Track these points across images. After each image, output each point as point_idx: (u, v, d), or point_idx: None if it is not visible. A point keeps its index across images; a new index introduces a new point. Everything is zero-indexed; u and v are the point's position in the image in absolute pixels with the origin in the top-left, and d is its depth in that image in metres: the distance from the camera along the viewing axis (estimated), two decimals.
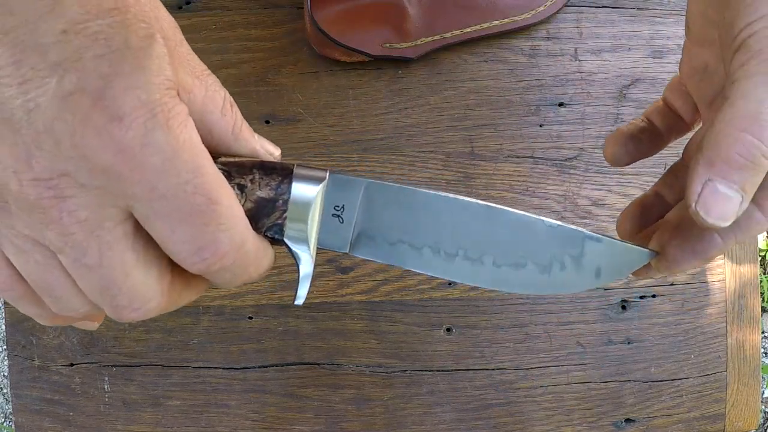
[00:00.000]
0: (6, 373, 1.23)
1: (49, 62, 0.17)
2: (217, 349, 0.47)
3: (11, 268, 0.21)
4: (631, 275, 0.28)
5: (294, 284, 0.47)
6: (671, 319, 0.48)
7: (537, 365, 0.48)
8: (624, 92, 0.49)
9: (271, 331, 0.48)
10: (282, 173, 0.23)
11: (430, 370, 0.48)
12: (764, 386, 1.18)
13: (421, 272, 0.26)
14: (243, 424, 0.47)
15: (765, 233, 1.29)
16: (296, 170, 0.23)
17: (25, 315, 0.47)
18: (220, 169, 0.22)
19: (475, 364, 0.48)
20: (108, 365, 0.48)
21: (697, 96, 0.28)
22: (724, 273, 0.49)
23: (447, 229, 0.25)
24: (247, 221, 0.22)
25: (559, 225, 0.25)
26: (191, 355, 0.47)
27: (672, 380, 0.48)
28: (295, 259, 0.24)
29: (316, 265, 0.48)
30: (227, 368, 0.48)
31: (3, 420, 1.23)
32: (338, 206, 0.24)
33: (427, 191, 0.25)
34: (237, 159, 0.23)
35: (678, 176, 0.31)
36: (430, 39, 0.47)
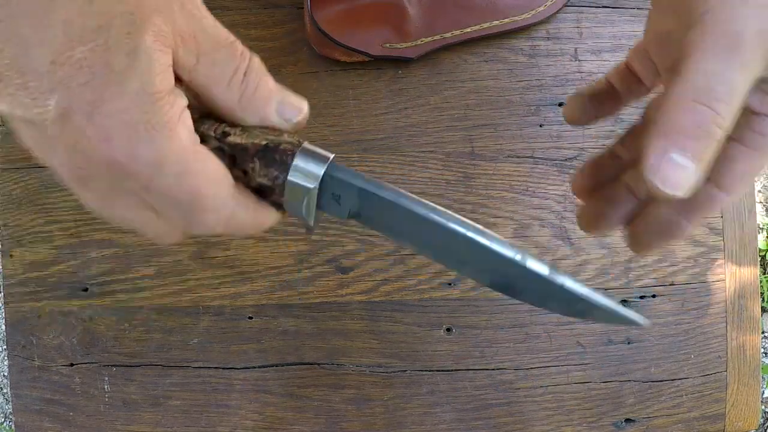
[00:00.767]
0: (6, 373, 1.23)
1: (45, 87, 0.19)
2: (217, 349, 0.47)
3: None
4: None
5: (293, 284, 0.47)
6: (671, 319, 0.48)
7: (537, 365, 0.48)
8: None
9: (271, 331, 0.48)
10: (280, 166, 0.24)
11: (430, 370, 0.48)
12: (764, 386, 1.18)
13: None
14: (243, 424, 0.47)
15: (765, 233, 1.29)
16: (296, 161, 0.24)
17: (25, 315, 0.48)
18: (227, 152, 0.24)
19: (475, 364, 0.48)
20: (108, 365, 0.47)
21: (658, 61, 0.28)
22: (724, 273, 0.49)
23: (431, 244, 0.25)
24: (236, 199, 0.24)
25: (560, 285, 0.24)
26: (191, 355, 0.47)
27: (672, 380, 0.48)
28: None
29: (317, 266, 0.48)
30: (227, 368, 0.48)
31: (3, 420, 1.23)
32: (335, 194, 0.25)
33: (416, 207, 0.25)
34: (243, 140, 0.24)
35: (636, 137, 0.31)
36: (430, 39, 0.47)
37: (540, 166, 0.48)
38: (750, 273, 0.49)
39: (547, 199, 0.48)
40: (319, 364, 0.48)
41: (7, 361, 0.48)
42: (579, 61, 0.49)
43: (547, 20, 0.49)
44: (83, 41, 0.19)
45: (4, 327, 1.09)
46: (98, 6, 0.19)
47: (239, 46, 0.23)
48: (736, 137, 0.24)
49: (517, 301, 0.48)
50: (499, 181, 0.48)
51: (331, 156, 0.25)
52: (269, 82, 0.24)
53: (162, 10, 0.20)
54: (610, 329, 0.48)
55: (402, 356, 0.48)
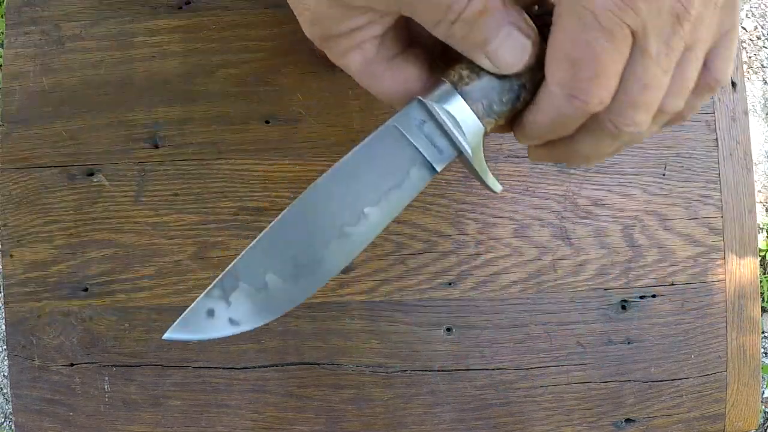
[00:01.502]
0: (6, 373, 1.23)
1: None
2: (217, 349, 0.47)
3: None
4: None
5: None
6: (671, 319, 0.48)
7: (537, 365, 0.48)
8: None
9: (271, 331, 0.48)
10: None
11: (430, 370, 0.48)
12: (764, 386, 1.18)
13: None
14: (243, 424, 0.47)
15: (765, 233, 1.29)
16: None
17: (25, 315, 0.48)
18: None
19: (475, 364, 0.48)
20: (108, 365, 0.48)
21: None
22: (724, 273, 0.49)
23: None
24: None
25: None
26: (191, 355, 0.47)
27: (672, 380, 0.48)
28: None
29: None
30: (227, 368, 0.48)
31: (3, 420, 1.23)
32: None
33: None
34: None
35: None
36: None
37: (540, 166, 0.48)
38: (750, 273, 0.49)
39: (547, 199, 0.48)
40: (319, 364, 0.48)
41: (7, 361, 0.48)
42: None
43: None
44: None
45: (4, 327, 1.09)
46: None
47: None
48: None
49: (518, 301, 0.48)
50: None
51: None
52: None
53: None
54: (610, 329, 0.48)
55: (402, 356, 0.48)
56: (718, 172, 0.49)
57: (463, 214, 0.47)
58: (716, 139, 0.49)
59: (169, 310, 0.47)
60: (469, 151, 0.26)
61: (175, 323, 0.26)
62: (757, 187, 1.32)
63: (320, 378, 0.48)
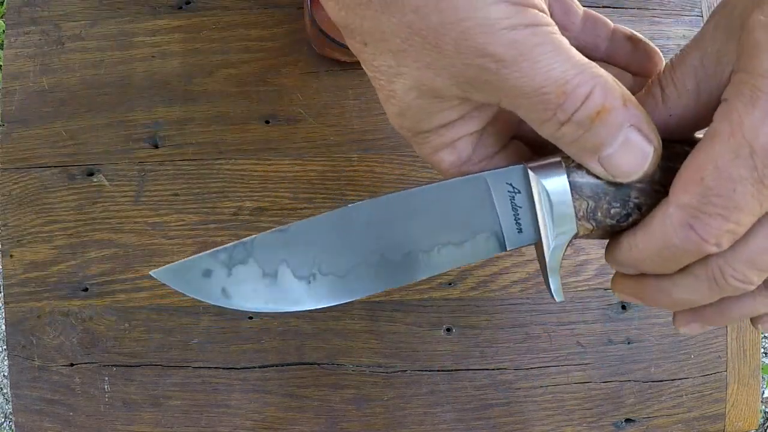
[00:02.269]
0: (6, 373, 1.23)
1: None
2: (217, 349, 0.47)
3: None
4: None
5: None
6: (671, 319, 0.48)
7: (537, 365, 0.48)
8: None
9: (271, 331, 0.48)
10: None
11: (430, 370, 0.48)
12: (764, 386, 1.18)
13: None
14: (243, 424, 0.47)
15: None
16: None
17: (25, 315, 0.48)
18: None
19: (475, 364, 0.48)
20: (108, 365, 0.48)
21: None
22: None
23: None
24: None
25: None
26: (191, 355, 0.47)
27: (672, 380, 0.48)
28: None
29: None
30: (227, 368, 0.48)
31: (3, 420, 1.23)
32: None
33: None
34: None
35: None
36: None
37: None
38: None
39: None
40: (319, 364, 0.48)
41: (7, 361, 0.48)
42: None
43: None
44: None
45: (4, 327, 1.09)
46: None
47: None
48: None
49: (518, 301, 0.48)
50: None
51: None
52: None
53: None
54: (610, 329, 0.48)
55: (402, 356, 0.48)
56: None
57: None
58: None
59: (169, 310, 0.47)
60: (552, 245, 0.22)
61: (169, 266, 0.24)
62: None
63: (320, 378, 0.48)
